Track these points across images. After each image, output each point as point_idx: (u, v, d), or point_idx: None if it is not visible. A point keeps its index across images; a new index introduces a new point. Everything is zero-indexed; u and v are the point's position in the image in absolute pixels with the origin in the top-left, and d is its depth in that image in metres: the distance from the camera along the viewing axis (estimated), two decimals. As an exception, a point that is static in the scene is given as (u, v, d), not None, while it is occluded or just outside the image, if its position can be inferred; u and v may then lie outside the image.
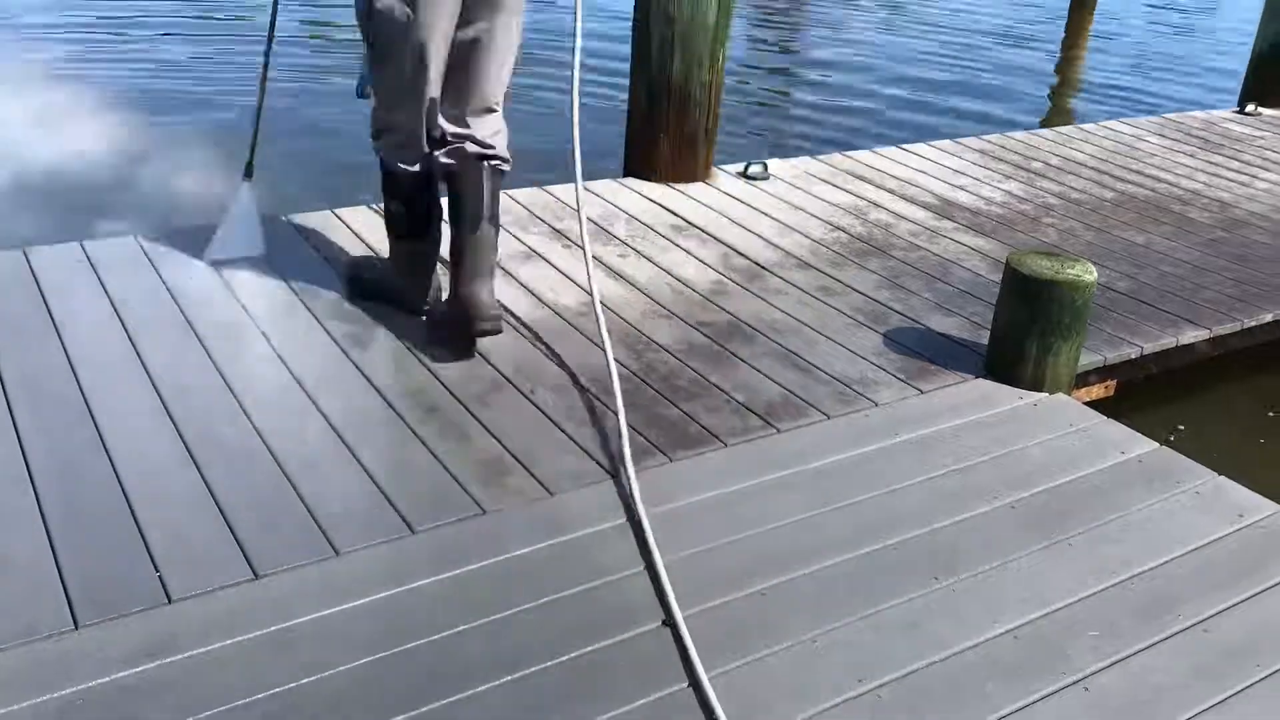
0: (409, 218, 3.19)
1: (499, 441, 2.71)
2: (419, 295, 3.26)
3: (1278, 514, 2.66)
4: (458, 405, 2.85)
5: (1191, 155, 5.43)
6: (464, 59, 3.00)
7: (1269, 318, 3.70)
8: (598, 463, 2.67)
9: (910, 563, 2.40)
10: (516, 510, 2.47)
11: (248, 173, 3.56)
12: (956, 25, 11.85)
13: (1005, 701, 2.02)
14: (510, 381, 2.99)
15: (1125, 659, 2.16)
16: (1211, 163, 5.33)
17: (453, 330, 3.10)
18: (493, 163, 3.10)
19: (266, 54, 3.44)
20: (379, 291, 3.31)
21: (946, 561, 2.41)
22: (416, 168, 3.07)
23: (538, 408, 2.88)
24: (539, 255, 3.80)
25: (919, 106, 8.71)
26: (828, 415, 2.96)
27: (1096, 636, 2.21)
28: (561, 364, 3.10)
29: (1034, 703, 2.03)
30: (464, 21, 2.95)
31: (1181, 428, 3.78)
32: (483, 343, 3.13)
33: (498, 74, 3.06)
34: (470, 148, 3.06)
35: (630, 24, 4.46)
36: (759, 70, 9.91)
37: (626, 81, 4.59)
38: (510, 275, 3.60)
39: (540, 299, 3.48)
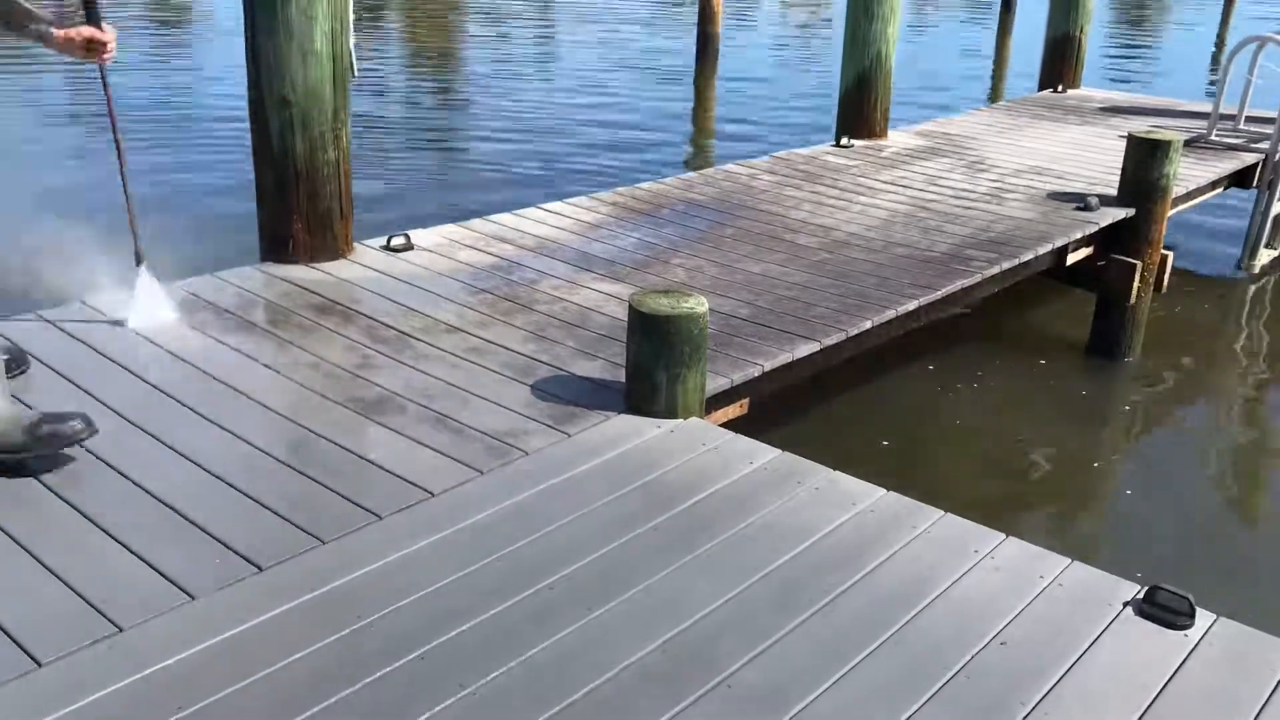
0: None
1: (129, 549, 2.58)
2: None
3: (885, 497, 2.99)
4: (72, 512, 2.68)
5: (798, 188, 6.01)
6: None
7: (868, 325, 4.15)
8: (245, 559, 2.59)
9: (566, 599, 2.50)
10: (153, 621, 2.35)
11: (137, 258, 3.86)
12: (591, 85, 12.48)
13: (655, 714, 2.14)
14: (138, 483, 2.84)
15: (762, 652, 2.35)
16: (815, 192, 5.93)
17: None
18: None
19: (115, 134, 3.69)
20: None
21: (599, 591, 2.52)
22: None
23: (169, 506, 2.76)
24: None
25: (563, 166, 9.10)
26: (481, 471, 3.03)
27: (737, 636, 2.40)
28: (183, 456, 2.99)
29: (683, 710, 2.17)
30: None
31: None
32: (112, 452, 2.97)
33: None
34: None
35: (246, 105, 4.40)
36: (403, 142, 9.99)
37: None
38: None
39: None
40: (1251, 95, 7.52)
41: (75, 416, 2.90)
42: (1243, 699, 2.26)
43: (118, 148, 3.75)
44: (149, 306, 3.91)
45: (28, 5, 3.11)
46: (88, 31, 3.24)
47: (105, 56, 3.32)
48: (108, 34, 3.28)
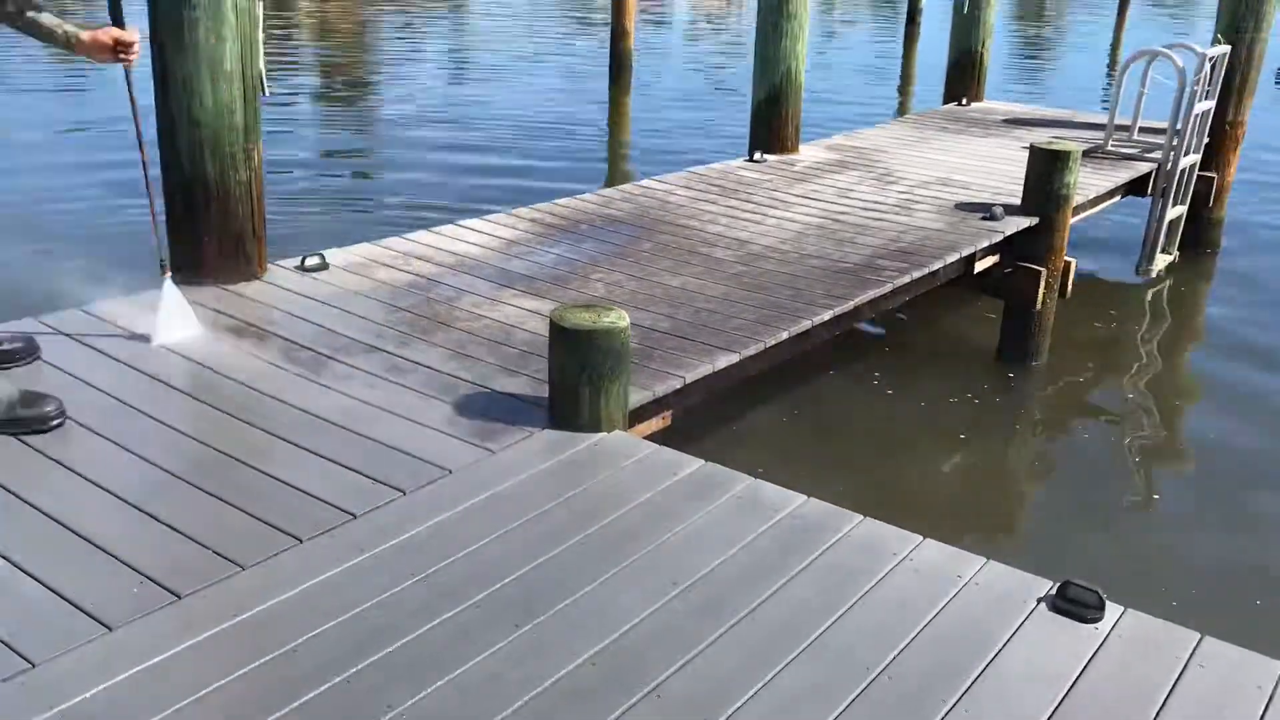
0: None
1: (38, 580, 2.51)
2: None
3: (806, 503, 3.05)
4: None
5: (713, 202, 6.08)
6: None
7: (785, 335, 4.22)
8: (163, 587, 2.54)
9: (493, 617, 2.49)
10: (67, 654, 2.29)
11: (163, 267, 3.88)
12: (505, 102, 12.47)
13: (585, 726, 2.16)
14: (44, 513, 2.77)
15: (690, 661, 2.38)
16: (730, 207, 6.01)
17: None
18: None
19: (141, 145, 3.71)
20: None
21: (526, 607, 2.53)
22: None
23: (81, 535, 2.69)
24: (80, 380, 3.56)
25: (478, 182, 9.07)
26: (404, 491, 3.01)
27: (664, 646, 2.42)
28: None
29: (612, 720, 2.18)
30: None
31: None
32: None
33: None
34: None
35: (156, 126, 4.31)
36: (317, 160, 9.87)
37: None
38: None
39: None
40: (1144, 107, 7.82)
41: (51, 400, 3.17)
42: (1151, 687, 2.35)
43: (142, 152, 3.76)
44: (174, 321, 3.86)
45: (52, 19, 3.17)
46: (115, 32, 3.25)
47: (131, 57, 3.31)
48: (133, 34, 3.28)
